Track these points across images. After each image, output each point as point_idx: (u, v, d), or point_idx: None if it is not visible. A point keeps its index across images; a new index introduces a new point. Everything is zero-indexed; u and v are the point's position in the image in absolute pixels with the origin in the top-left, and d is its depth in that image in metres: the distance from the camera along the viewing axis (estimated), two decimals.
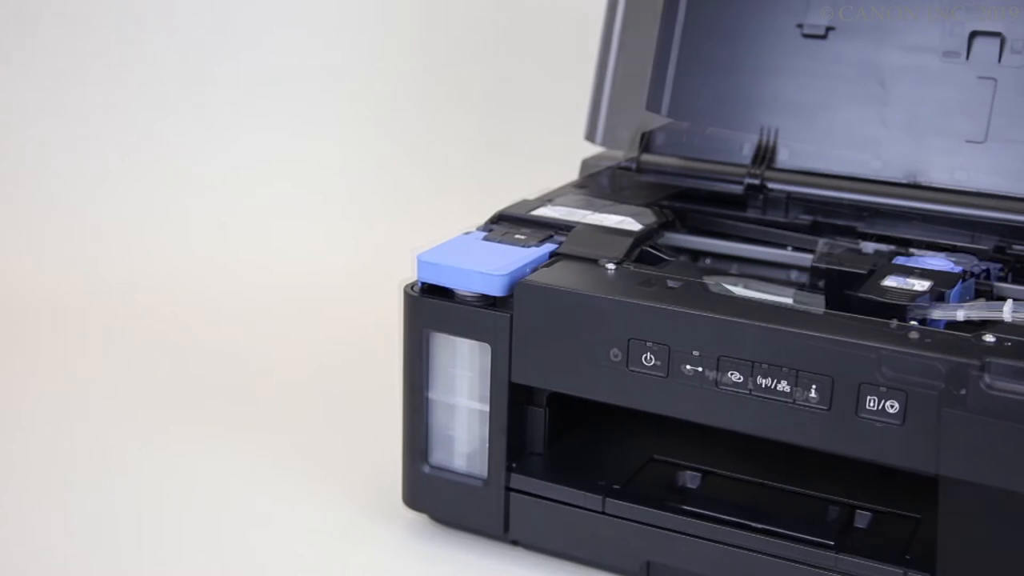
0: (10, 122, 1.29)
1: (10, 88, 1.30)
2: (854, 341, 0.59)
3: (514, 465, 0.69)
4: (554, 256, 0.70)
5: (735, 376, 0.61)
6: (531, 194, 0.82)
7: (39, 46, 1.29)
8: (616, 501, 0.67)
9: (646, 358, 0.63)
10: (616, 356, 0.64)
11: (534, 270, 0.68)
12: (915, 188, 0.80)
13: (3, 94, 1.30)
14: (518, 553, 0.71)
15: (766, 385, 0.61)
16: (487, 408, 0.68)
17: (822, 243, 0.78)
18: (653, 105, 0.87)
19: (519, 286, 0.66)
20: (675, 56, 0.87)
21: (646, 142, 0.87)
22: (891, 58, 0.81)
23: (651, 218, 0.75)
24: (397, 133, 1.29)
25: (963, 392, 0.57)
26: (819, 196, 0.81)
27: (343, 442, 0.84)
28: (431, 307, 0.68)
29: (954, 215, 0.78)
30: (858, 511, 0.66)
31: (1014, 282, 0.72)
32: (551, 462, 0.70)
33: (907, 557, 0.62)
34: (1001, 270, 0.73)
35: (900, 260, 0.73)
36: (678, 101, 0.86)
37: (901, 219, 0.79)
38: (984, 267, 0.72)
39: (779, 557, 0.63)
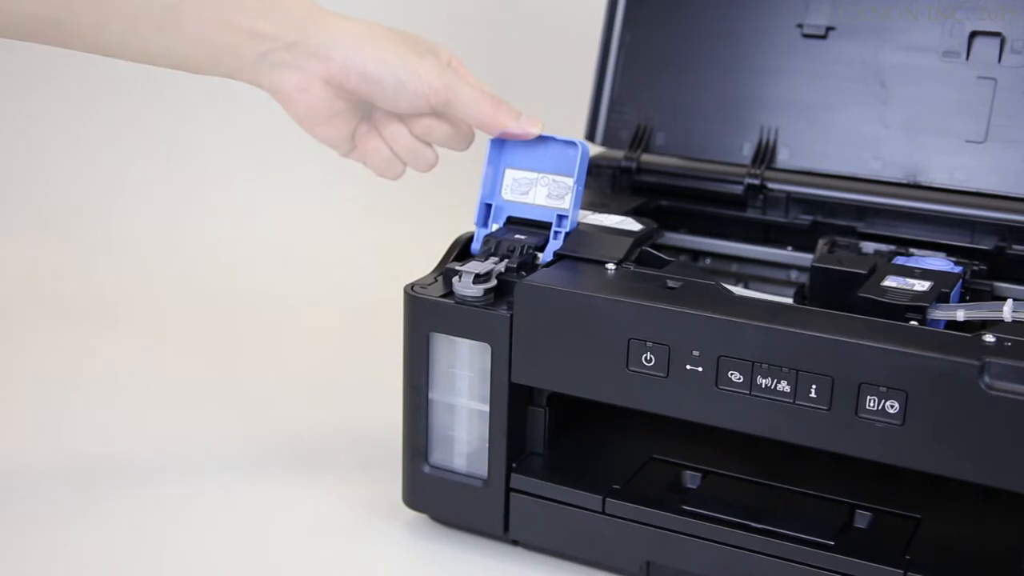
0: (19, 123, 1.29)
1: (20, 89, 1.30)
2: (854, 341, 0.59)
3: (514, 465, 0.69)
4: (554, 256, 0.70)
5: (735, 376, 0.61)
6: None
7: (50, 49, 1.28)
8: (616, 501, 0.67)
9: (646, 358, 0.63)
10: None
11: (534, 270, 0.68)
12: (915, 188, 0.80)
13: (13, 95, 1.30)
14: (518, 553, 0.71)
15: (766, 385, 0.61)
16: (487, 408, 0.68)
17: (822, 243, 0.78)
18: (589, 135, 0.89)
19: (519, 286, 0.66)
20: (609, 85, 0.88)
21: (646, 142, 0.87)
22: (891, 58, 0.81)
23: (636, 226, 0.75)
24: None
25: (963, 392, 0.57)
26: (819, 196, 0.81)
27: (343, 442, 0.84)
28: (432, 307, 0.68)
29: (954, 215, 0.78)
30: (858, 511, 0.66)
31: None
32: (551, 462, 0.70)
33: (907, 557, 0.62)
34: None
35: (900, 260, 0.73)
36: (612, 131, 0.88)
37: (901, 219, 0.79)
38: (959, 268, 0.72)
39: (779, 557, 0.63)
